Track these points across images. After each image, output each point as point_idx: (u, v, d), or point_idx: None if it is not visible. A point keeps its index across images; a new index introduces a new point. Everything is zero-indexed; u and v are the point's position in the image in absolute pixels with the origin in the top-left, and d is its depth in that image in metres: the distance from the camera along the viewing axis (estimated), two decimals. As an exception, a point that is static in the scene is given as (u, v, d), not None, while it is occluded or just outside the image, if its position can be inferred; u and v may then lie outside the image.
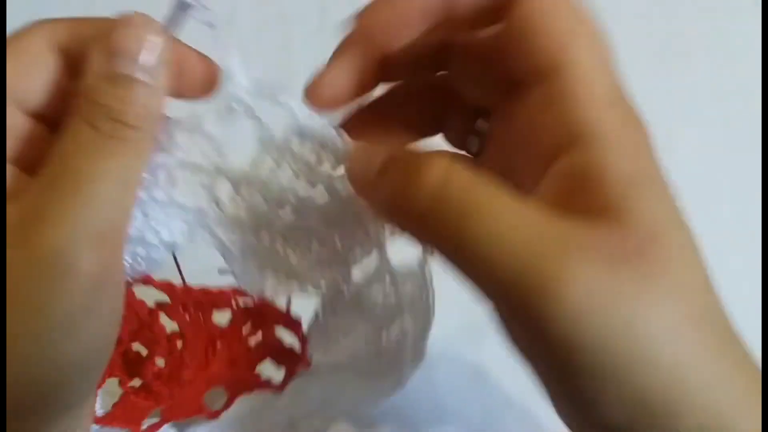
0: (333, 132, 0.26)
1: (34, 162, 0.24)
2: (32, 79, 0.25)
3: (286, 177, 0.27)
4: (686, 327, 0.20)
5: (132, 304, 0.31)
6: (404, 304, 0.29)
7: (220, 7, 0.63)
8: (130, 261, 0.27)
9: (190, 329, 0.32)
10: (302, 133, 0.26)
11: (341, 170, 0.26)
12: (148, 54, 0.25)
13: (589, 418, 0.21)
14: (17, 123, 0.24)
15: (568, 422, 0.23)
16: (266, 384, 0.35)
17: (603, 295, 0.19)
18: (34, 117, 0.25)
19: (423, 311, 0.29)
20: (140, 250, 0.27)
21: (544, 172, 0.22)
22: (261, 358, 0.34)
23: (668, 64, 0.59)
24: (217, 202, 0.27)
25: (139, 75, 0.24)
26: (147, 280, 0.30)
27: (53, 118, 0.25)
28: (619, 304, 0.19)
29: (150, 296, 0.32)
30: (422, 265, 0.29)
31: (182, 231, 0.27)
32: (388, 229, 0.28)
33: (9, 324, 0.21)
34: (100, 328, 0.24)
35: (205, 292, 0.31)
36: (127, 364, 0.32)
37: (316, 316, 0.31)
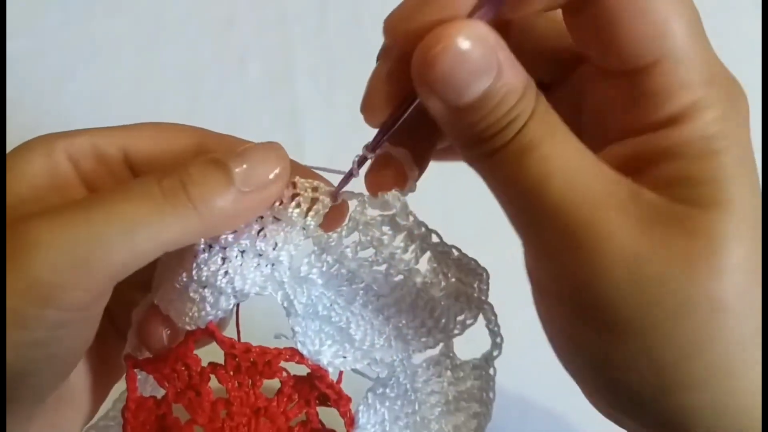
0: (425, 228, 0.26)
1: None
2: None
3: (366, 256, 0.27)
4: (721, 309, 0.20)
5: (185, 357, 0.29)
6: (461, 400, 0.29)
7: (220, 7, 0.64)
8: (197, 305, 0.27)
9: (237, 397, 0.29)
10: (394, 225, 0.26)
11: (416, 264, 0.27)
12: (261, 171, 0.25)
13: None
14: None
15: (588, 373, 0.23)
16: None
17: (640, 254, 0.20)
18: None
19: (480, 410, 0.29)
20: (209, 295, 0.27)
21: (611, 141, 0.22)
22: None
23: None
24: (296, 260, 0.27)
25: (237, 172, 0.24)
26: (211, 331, 0.28)
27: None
28: (653, 264, 0.20)
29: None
30: (488, 361, 0.28)
31: (255, 281, 0.27)
32: (460, 324, 0.28)
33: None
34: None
35: (264, 351, 0.29)
36: (164, 429, 0.29)
37: (367, 398, 0.30)
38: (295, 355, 0.28)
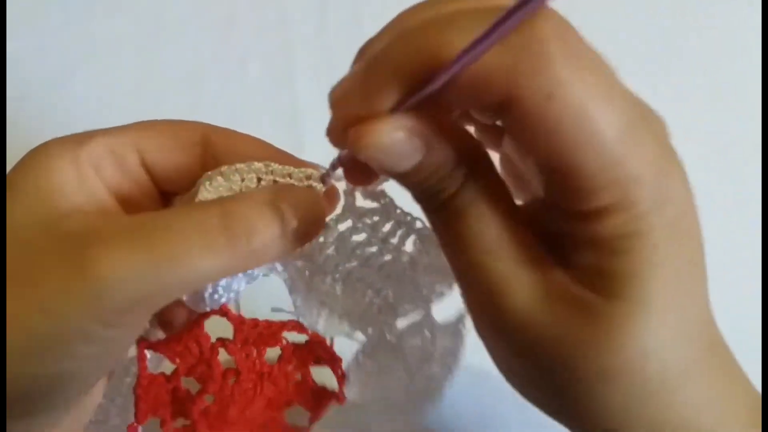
0: (410, 217, 0.30)
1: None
2: (172, 156, 0.28)
3: (360, 238, 0.31)
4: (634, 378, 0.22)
5: (198, 336, 0.32)
6: (437, 354, 0.33)
7: (220, 8, 0.64)
8: (211, 291, 0.29)
9: (245, 366, 0.32)
10: (384, 214, 0.30)
11: (409, 245, 0.31)
12: (308, 218, 0.26)
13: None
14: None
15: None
16: (293, 429, 0.35)
17: (537, 326, 0.23)
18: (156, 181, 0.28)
19: (452, 361, 0.33)
20: (222, 280, 0.29)
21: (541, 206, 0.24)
22: (295, 400, 0.35)
23: (665, 65, 0.59)
24: None
25: (290, 224, 0.25)
26: (224, 312, 0.31)
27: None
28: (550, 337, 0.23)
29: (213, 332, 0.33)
30: (460, 322, 0.32)
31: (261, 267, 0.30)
32: (437, 293, 0.32)
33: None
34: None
35: (269, 325, 0.32)
36: (175, 402, 0.32)
37: (357, 357, 0.34)
38: (297, 326, 0.32)
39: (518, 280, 0.23)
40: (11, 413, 0.24)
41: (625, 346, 0.22)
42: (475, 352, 0.44)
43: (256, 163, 0.27)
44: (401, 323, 0.33)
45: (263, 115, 0.56)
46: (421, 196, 0.24)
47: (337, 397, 0.34)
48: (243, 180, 0.27)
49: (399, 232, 0.31)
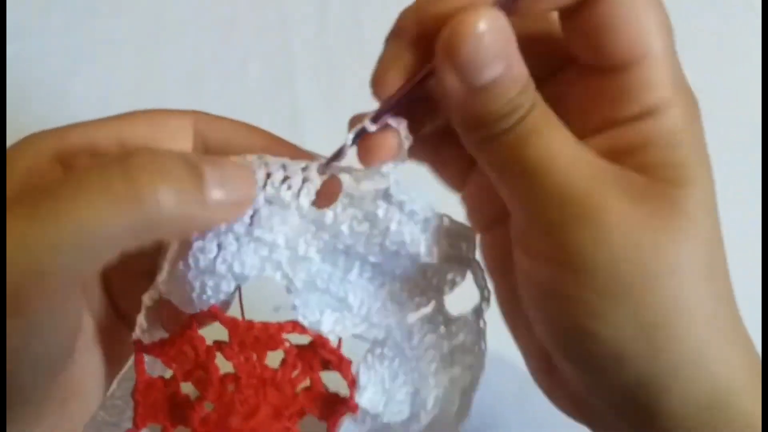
0: (420, 202, 0.27)
1: None
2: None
3: (362, 230, 0.28)
4: (700, 273, 0.24)
5: (191, 338, 0.30)
6: (456, 354, 0.30)
7: (221, 9, 0.64)
8: (198, 291, 0.27)
9: (244, 371, 0.30)
10: (388, 199, 0.27)
11: (411, 235, 0.28)
12: (232, 192, 0.24)
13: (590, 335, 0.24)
14: None
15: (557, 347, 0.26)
16: None
17: (633, 223, 0.23)
18: None
19: (474, 362, 0.30)
20: (210, 281, 0.27)
21: (591, 133, 0.25)
22: (306, 409, 0.32)
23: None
24: (293, 241, 0.28)
25: (211, 184, 0.23)
26: (214, 313, 0.29)
27: None
28: (647, 231, 0.23)
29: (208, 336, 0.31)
30: (478, 315, 0.30)
31: (254, 265, 0.27)
32: (449, 282, 0.29)
33: None
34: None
35: (266, 327, 0.30)
36: (175, 408, 0.30)
37: (366, 359, 0.31)
38: (296, 327, 0.29)
39: (606, 190, 0.23)
40: None
41: (701, 225, 0.24)
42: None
43: (248, 156, 0.26)
44: (411, 319, 0.31)
45: (263, 115, 0.56)
46: (487, 118, 0.24)
47: (348, 404, 0.31)
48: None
49: (404, 219, 0.28)
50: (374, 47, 0.26)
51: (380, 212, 0.27)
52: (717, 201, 0.25)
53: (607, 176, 0.24)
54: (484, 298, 0.29)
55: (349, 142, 0.26)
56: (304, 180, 0.27)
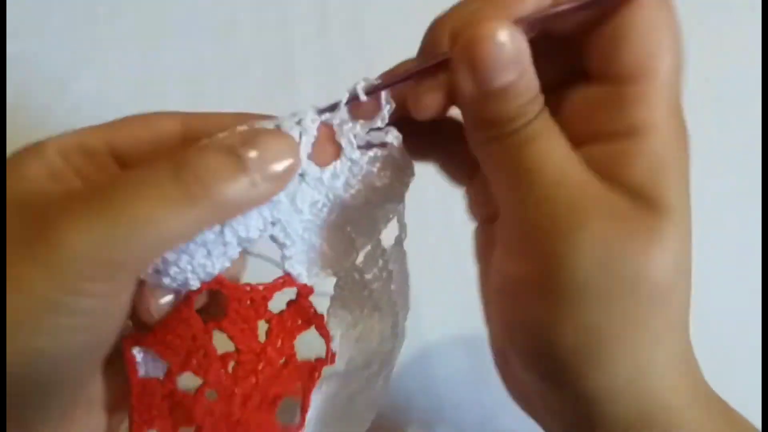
0: (392, 146, 0.29)
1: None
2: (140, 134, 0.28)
3: (355, 184, 0.30)
4: (661, 298, 0.25)
5: (188, 318, 0.28)
6: (393, 279, 0.33)
7: (221, 10, 0.64)
8: (203, 261, 0.27)
9: (243, 343, 0.30)
10: (386, 164, 0.29)
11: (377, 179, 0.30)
12: (277, 165, 0.26)
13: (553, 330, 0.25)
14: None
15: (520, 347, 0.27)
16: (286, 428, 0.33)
17: (610, 241, 0.24)
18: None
19: (404, 278, 0.34)
20: (217, 250, 0.27)
21: (583, 144, 0.26)
22: (287, 382, 0.32)
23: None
24: (291, 195, 0.29)
25: (251, 162, 0.25)
26: (219, 281, 0.28)
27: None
28: (621, 251, 0.24)
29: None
30: (399, 243, 0.32)
31: (257, 226, 0.28)
32: (384, 219, 0.31)
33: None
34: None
35: (265, 287, 0.30)
36: (174, 408, 0.29)
37: (330, 309, 0.33)
38: (287, 280, 0.30)
39: (589, 202, 0.25)
40: None
41: (672, 257, 0.25)
42: (476, 353, 0.45)
43: (241, 127, 0.27)
44: (360, 259, 0.33)
45: (264, 116, 0.56)
46: (495, 120, 0.25)
47: (325, 360, 0.32)
48: None
49: (373, 162, 0.29)
50: (375, 47, 0.26)
51: (376, 180, 0.29)
52: (691, 229, 0.26)
53: (593, 193, 0.25)
54: (403, 228, 0.32)
55: (344, 101, 0.28)
56: (301, 133, 0.28)
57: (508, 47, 0.24)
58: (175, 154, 0.24)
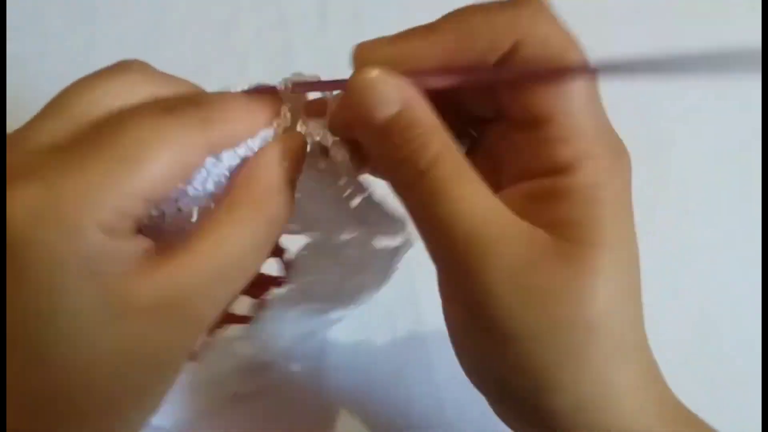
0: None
1: None
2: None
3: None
4: (603, 324, 0.24)
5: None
6: (372, 268, 0.35)
7: (221, 9, 0.64)
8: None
9: None
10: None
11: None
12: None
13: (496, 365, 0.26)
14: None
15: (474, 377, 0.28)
16: (236, 318, 0.38)
17: (533, 271, 0.24)
18: None
19: (382, 279, 0.35)
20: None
21: (517, 181, 0.26)
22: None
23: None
24: None
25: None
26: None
27: None
28: (546, 281, 0.24)
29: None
30: (404, 247, 0.34)
31: None
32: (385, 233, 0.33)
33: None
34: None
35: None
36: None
37: (300, 252, 0.36)
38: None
39: (504, 244, 0.24)
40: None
41: (606, 287, 0.24)
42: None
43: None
44: (345, 236, 0.34)
45: (264, 116, 0.56)
46: (394, 158, 0.25)
47: (281, 280, 0.36)
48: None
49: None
50: (375, 48, 0.26)
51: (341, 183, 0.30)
52: (638, 261, 0.25)
53: (514, 230, 0.24)
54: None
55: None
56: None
57: (378, 84, 0.25)
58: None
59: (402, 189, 0.26)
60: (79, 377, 0.23)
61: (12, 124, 0.53)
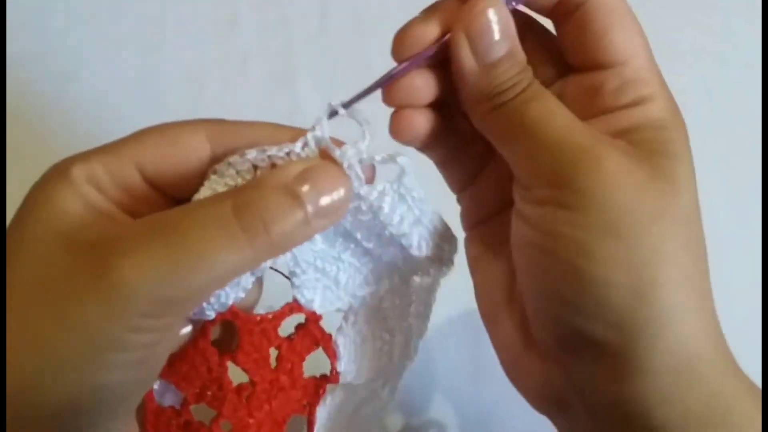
0: (420, 197, 0.29)
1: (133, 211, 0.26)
2: (174, 159, 0.27)
3: (365, 219, 0.29)
4: (680, 229, 0.26)
5: (204, 350, 0.29)
6: (413, 309, 0.33)
7: (221, 9, 0.64)
8: (219, 292, 0.28)
9: (257, 374, 0.30)
10: (396, 189, 0.29)
11: (409, 230, 0.30)
12: (332, 200, 0.26)
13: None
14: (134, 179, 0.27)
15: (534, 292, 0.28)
16: None
17: (628, 172, 0.26)
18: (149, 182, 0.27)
19: (426, 307, 0.33)
20: (232, 281, 0.27)
21: (592, 118, 0.28)
22: (300, 399, 0.33)
23: (665, 68, 0.59)
24: None
25: (309, 202, 0.25)
26: (234, 313, 0.29)
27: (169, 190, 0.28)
28: (639, 181, 0.26)
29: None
30: (436, 281, 0.32)
31: None
32: (424, 272, 0.31)
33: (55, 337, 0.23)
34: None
35: (274, 316, 0.30)
36: None
37: (341, 327, 0.33)
38: (294, 307, 0.31)
39: (603, 144, 0.26)
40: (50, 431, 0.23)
41: (684, 191, 0.27)
42: (477, 350, 0.45)
43: (250, 151, 0.26)
44: (382, 290, 0.33)
45: (264, 116, 0.55)
46: (495, 90, 0.27)
47: (329, 377, 0.33)
48: (238, 172, 0.26)
49: (405, 212, 0.29)
50: (374, 49, 0.26)
51: (386, 206, 0.28)
52: (698, 185, 0.28)
53: (603, 137, 0.27)
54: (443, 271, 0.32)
55: (326, 117, 0.28)
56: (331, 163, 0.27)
57: (499, 22, 0.27)
58: (235, 192, 0.25)
59: (494, 111, 0.27)
60: None
61: (12, 124, 0.53)
